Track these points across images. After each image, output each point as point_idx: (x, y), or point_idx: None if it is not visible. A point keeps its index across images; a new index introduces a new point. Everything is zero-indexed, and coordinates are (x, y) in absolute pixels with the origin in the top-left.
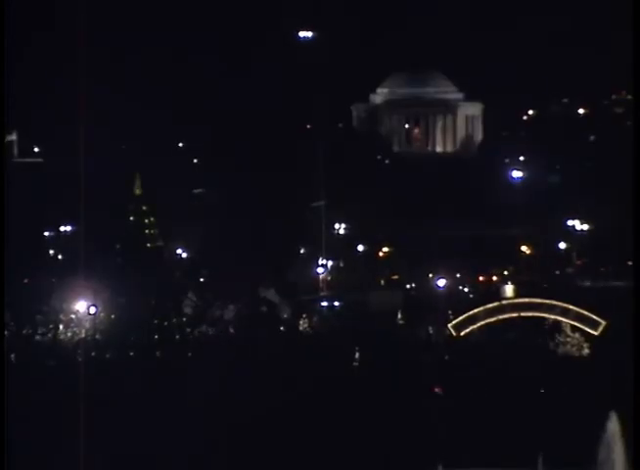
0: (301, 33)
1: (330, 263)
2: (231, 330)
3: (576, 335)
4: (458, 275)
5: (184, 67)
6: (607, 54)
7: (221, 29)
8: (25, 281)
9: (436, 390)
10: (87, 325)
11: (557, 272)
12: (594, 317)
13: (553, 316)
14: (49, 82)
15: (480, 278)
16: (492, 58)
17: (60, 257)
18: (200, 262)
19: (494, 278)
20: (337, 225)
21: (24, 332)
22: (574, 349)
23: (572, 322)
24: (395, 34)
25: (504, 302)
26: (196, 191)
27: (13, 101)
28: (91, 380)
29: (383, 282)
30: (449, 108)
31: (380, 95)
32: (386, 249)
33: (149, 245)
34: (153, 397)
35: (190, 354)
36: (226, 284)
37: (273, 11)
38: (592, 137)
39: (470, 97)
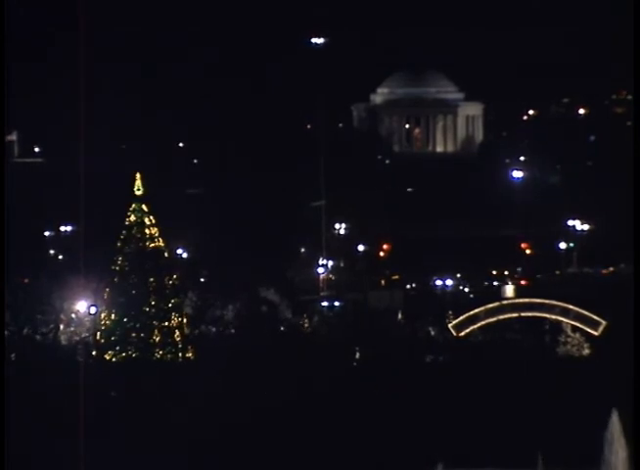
0: (313, 39)
1: (330, 263)
2: (231, 330)
3: (577, 335)
4: (458, 275)
5: (185, 67)
6: (607, 54)
7: (221, 31)
8: (25, 281)
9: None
10: (87, 325)
11: (557, 272)
12: (594, 317)
13: (553, 316)
14: (49, 82)
15: (494, 272)
16: (492, 58)
17: (60, 257)
18: (200, 262)
19: (505, 273)
20: (337, 225)
21: (25, 332)
22: (575, 348)
23: (573, 322)
24: (395, 34)
25: (504, 302)
26: (195, 191)
27: (13, 101)
28: (91, 380)
29: (383, 282)
30: (449, 108)
31: (380, 95)
32: (386, 249)
33: (149, 245)
34: (152, 396)
35: (190, 354)
36: (226, 284)
37: (277, 15)
38: (592, 137)
39: (470, 97)
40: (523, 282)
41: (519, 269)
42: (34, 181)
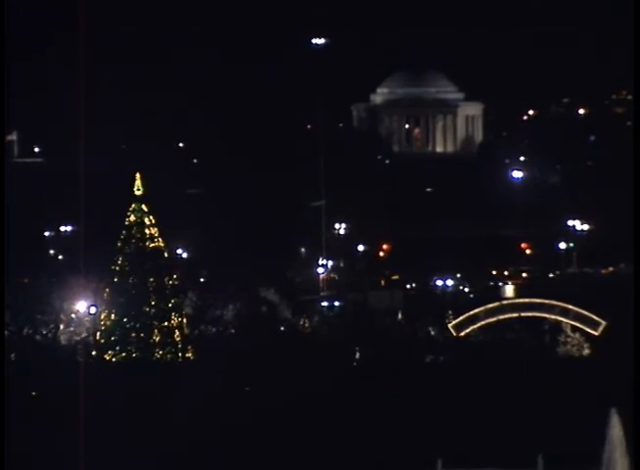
0: (313, 40)
1: (330, 263)
2: (231, 330)
3: (576, 335)
4: (458, 275)
5: (185, 67)
6: (607, 54)
7: (221, 31)
8: (25, 281)
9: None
10: (87, 325)
11: (557, 272)
12: (594, 317)
13: (553, 316)
14: (49, 82)
15: (494, 272)
16: (492, 58)
17: (60, 257)
18: (200, 262)
19: (505, 273)
20: (337, 225)
21: (25, 332)
22: (575, 348)
23: (572, 322)
24: (395, 34)
25: (504, 302)
26: (195, 191)
27: (13, 101)
28: (91, 380)
29: (383, 282)
30: (449, 108)
31: (380, 95)
32: (386, 249)
33: (149, 245)
34: (152, 396)
35: (190, 354)
36: (226, 284)
37: (277, 15)
38: (592, 137)
39: (470, 97)
40: (522, 282)
41: (518, 269)
42: (34, 181)
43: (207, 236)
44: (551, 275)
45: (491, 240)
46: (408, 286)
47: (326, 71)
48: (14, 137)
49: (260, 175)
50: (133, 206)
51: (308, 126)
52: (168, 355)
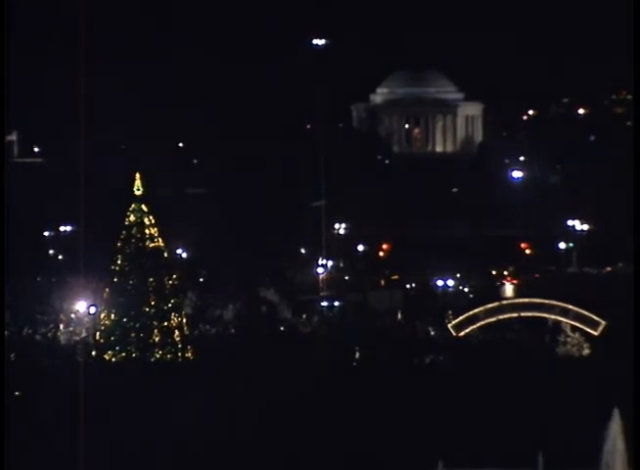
0: (313, 40)
1: (330, 263)
2: (231, 330)
3: (576, 335)
4: (458, 275)
5: (185, 67)
6: (607, 54)
7: (221, 31)
8: (25, 281)
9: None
10: (87, 325)
11: (557, 272)
12: (594, 317)
13: (553, 316)
14: (49, 82)
15: (494, 272)
16: (492, 58)
17: (60, 257)
18: (200, 262)
19: (505, 273)
20: (337, 225)
21: (25, 332)
22: (574, 348)
23: (572, 322)
24: (395, 34)
25: (504, 302)
26: (195, 191)
27: (13, 101)
28: (91, 380)
29: (382, 282)
30: (449, 108)
31: (380, 95)
32: (386, 249)
33: (148, 245)
34: (152, 396)
35: (190, 354)
36: (226, 284)
37: (278, 15)
38: (592, 137)
39: (470, 97)
40: (521, 282)
41: (518, 269)
42: (34, 181)
43: (207, 236)
44: (551, 275)
45: (491, 240)
46: (408, 286)
47: (326, 71)
48: (14, 137)
49: (260, 175)
50: (133, 206)
51: (308, 126)
52: (168, 356)
